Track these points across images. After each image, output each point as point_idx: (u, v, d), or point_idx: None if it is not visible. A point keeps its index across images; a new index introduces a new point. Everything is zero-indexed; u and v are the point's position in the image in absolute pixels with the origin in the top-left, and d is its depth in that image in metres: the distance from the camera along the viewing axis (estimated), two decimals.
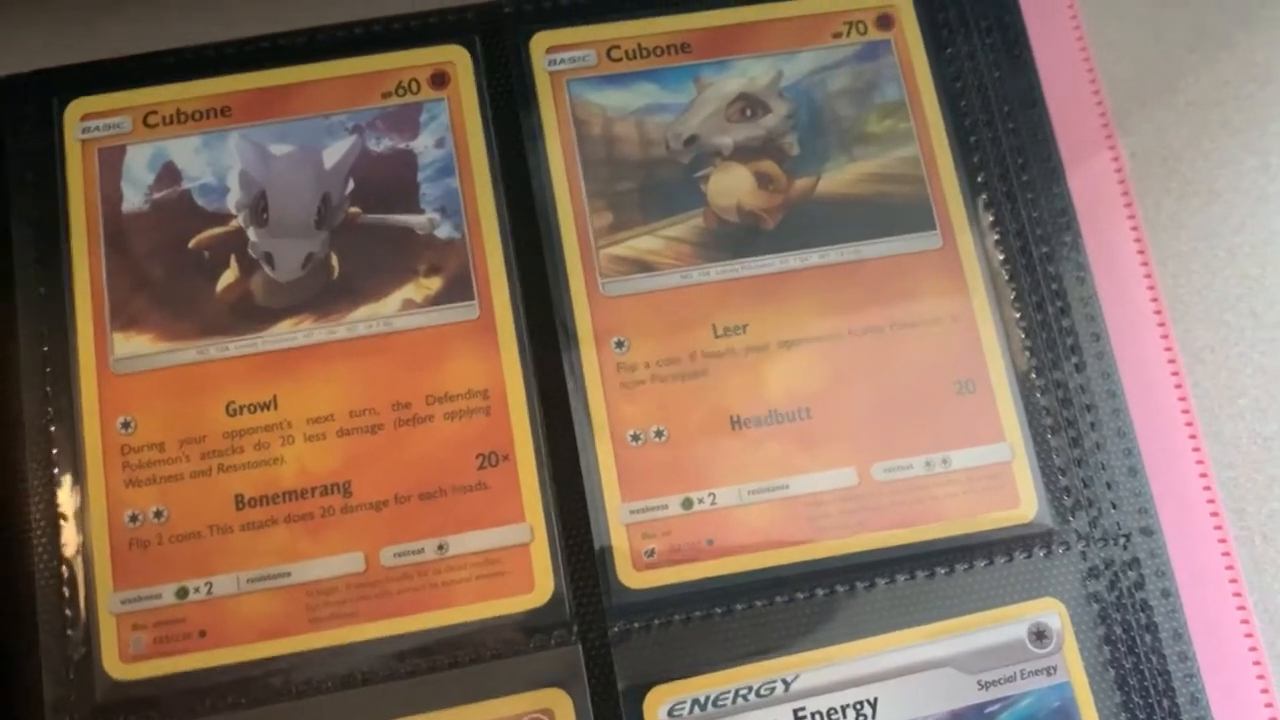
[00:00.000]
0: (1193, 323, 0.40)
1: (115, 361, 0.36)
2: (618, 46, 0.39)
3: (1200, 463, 0.38)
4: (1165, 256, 0.40)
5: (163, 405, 0.35)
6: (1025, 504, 0.36)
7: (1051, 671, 0.35)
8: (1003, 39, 0.41)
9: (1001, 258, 0.38)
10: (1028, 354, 0.38)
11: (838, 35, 0.40)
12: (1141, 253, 0.40)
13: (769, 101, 0.39)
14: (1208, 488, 0.38)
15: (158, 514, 0.35)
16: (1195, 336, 0.40)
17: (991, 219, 0.39)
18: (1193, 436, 0.38)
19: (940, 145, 0.39)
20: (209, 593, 0.34)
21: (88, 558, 0.34)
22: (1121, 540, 0.37)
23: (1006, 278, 0.38)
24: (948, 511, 0.36)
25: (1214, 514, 0.38)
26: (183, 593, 0.34)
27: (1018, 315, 0.38)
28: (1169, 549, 0.37)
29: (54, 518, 0.35)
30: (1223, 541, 0.37)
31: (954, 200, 0.38)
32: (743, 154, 0.38)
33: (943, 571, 0.36)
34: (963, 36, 0.40)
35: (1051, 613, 0.35)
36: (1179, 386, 0.39)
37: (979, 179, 0.39)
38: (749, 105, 0.39)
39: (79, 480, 0.35)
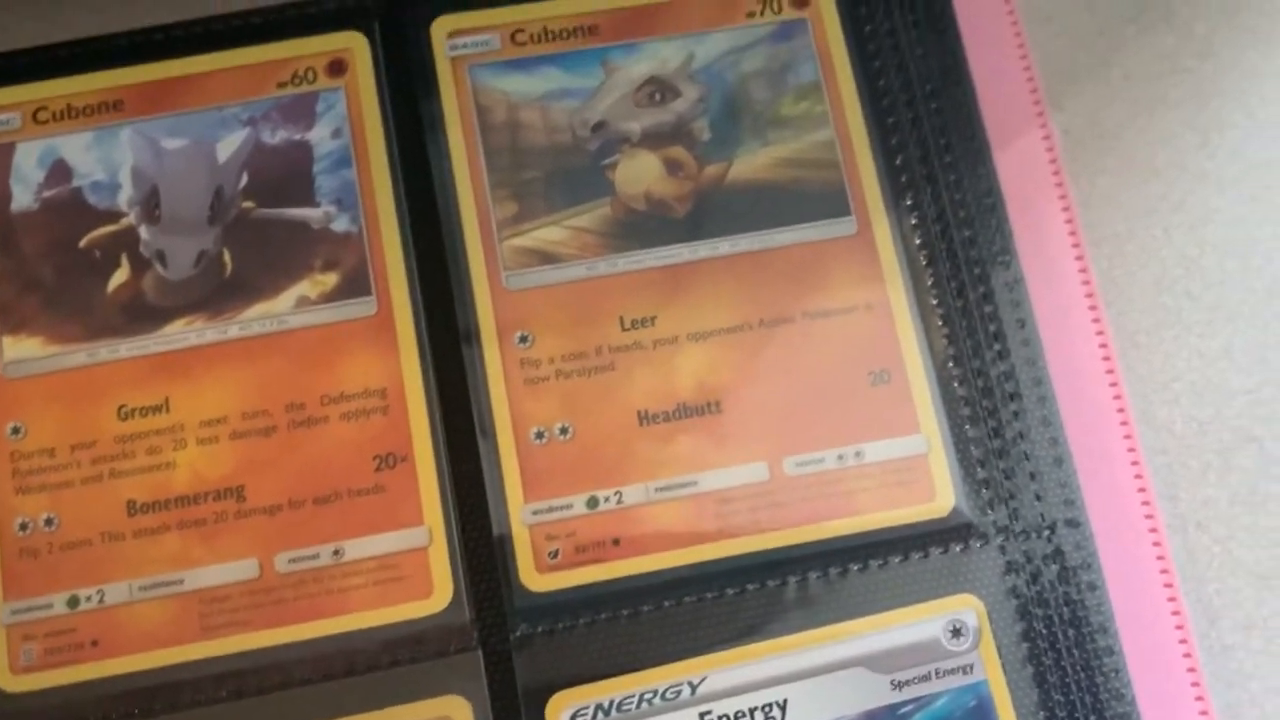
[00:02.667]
0: (1126, 305, 0.39)
1: (5, 366, 0.35)
2: (522, 30, 0.38)
3: (1132, 450, 0.37)
4: (1099, 237, 0.39)
5: (54, 410, 0.35)
6: (941, 497, 0.35)
7: (968, 670, 0.34)
8: (927, 13, 0.39)
9: (919, 242, 0.37)
10: (946, 342, 0.36)
11: (751, 15, 0.38)
12: (1073, 234, 0.39)
13: (679, 85, 0.38)
14: (1139, 475, 0.37)
15: (48, 521, 0.34)
16: (1129, 319, 0.38)
17: (910, 203, 0.37)
18: (1124, 423, 0.37)
19: (856, 127, 0.38)
20: (101, 601, 0.33)
21: None
22: (1045, 532, 0.35)
23: (925, 263, 0.37)
24: (861, 506, 0.35)
25: (1145, 502, 0.36)
26: (74, 602, 0.33)
27: (935, 302, 0.37)
28: (1097, 540, 0.36)
29: None
30: (1154, 531, 0.36)
31: (870, 184, 0.37)
32: (652, 140, 0.37)
33: (856, 568, 0.35)
34: (883, 12, 0.39)
35: (968, 609, 0.34)
36: (1110, 371, 0.38)
37: (897, 161, 0.38)
38: (659, 89, 0.37)
39: None
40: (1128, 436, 0.37)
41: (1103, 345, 0.38)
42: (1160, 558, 0.36)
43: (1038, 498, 0.36)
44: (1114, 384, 0.37)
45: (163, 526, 0.34)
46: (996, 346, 0.37)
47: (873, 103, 0.38)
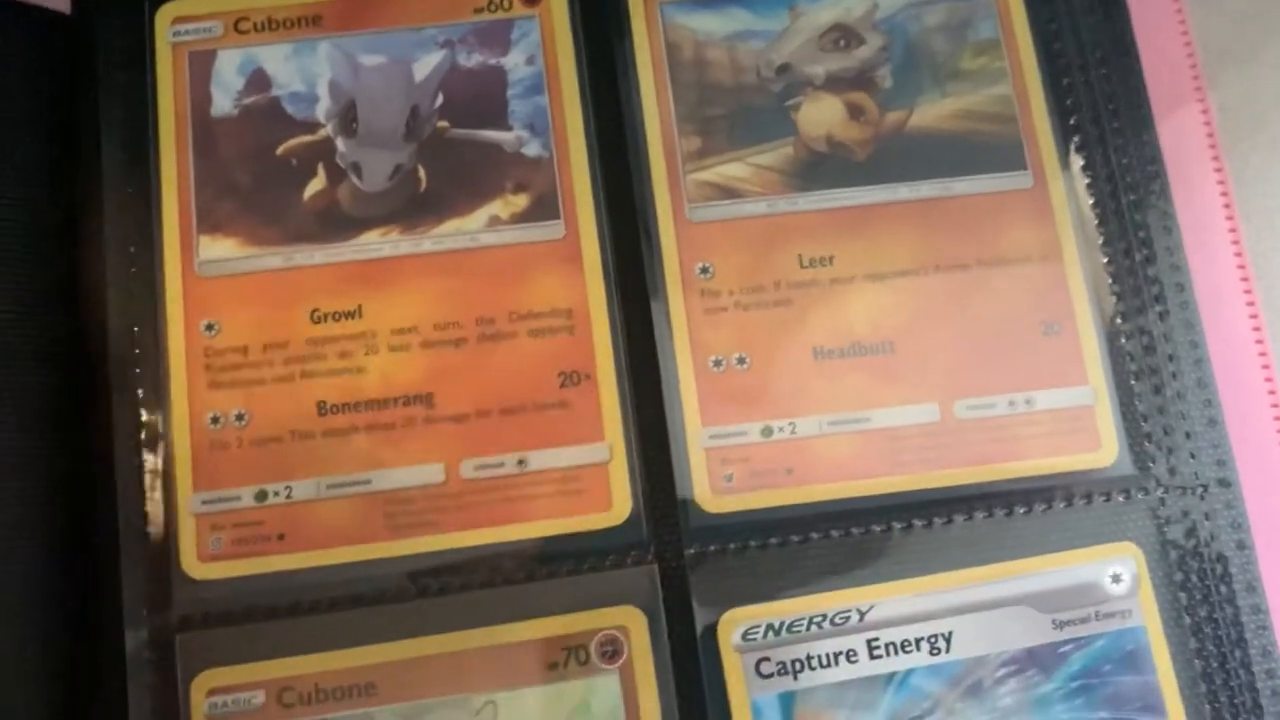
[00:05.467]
0: (1276, 279, 0.39)
1: (200, 264, 0.36)
2: None
3: (1278, 419, 0.38)
4: (1251, 212, 0.40)
5: (247, 310, 0.35)
6: (1106, 448, 0.36)
7: (1126, 615, 0.35)
8: None
9: (1091, 202, 0.38)
10: (1114, 299, 0.37)
11: None
12: (1227, 206, 0.39)
13: (863, 33, 0.38)
14: None
15: (239, 417, 0.35)
16: (1278, 293, 0.39)
17: (1083, 162, 0.38)
18: (1272, 392, 0.38)
19: (1033, 85, 0.38)
20: (288, 497, 0.34)
21: (169, 458, 0.34)
22: (1199, 490, 0.36)
23: (1096, 222, 0.38)
24: (1029, 452, 0.36)
25: None
26: (262, 496, 0.34)
27: (1105, 260, 0.37)
28: (1245, 501, 0.37)
29: (136, 418, 0.35)
30: None
31: (1045, 141, 0.38)
32: (835, 84, 0.38)
33: (1021, 511, 0.35)
34: None
35: (1128, 558, 0.35)
36: (1260, 341, 0.38)
37: (1071, 121, 0.38)
38: (843, 36, 0.38)
39: (161, 381, 0.35)
40: (1275, 405, 0.38)
41: (1253, 316, 0.38)
42: None
43: (1193, 455, 0.37)
44: (1263, 354, 0.38)
45: (352, 428, 0.35)
46: (1158, 307, 0.37)
47: (1048, 63, 0.39)
